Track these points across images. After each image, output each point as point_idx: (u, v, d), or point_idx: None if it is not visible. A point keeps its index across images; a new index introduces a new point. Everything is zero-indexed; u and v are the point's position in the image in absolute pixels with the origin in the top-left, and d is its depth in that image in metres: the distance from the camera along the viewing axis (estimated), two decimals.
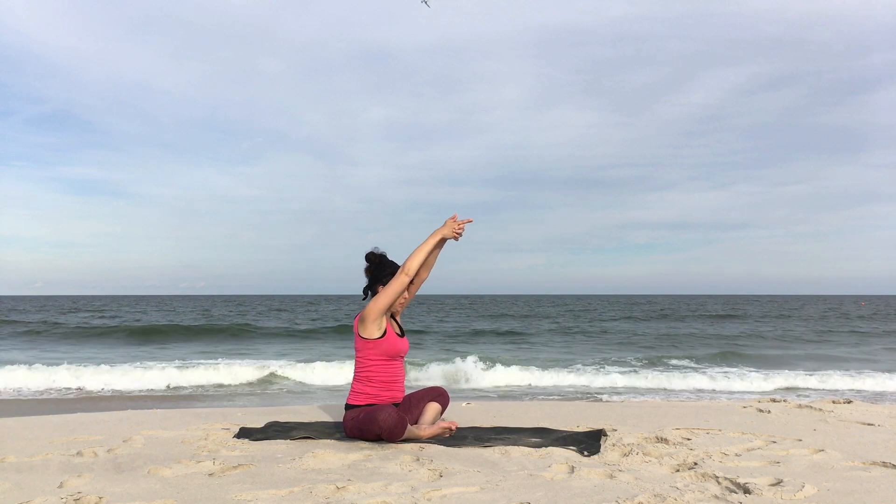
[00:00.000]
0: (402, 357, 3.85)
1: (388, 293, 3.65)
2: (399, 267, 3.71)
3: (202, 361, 13.34)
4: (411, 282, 3.73)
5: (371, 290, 3.81)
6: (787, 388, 10.52)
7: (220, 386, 10.81)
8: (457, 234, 3.75)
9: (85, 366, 11.83)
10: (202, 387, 10.68)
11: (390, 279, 3.71)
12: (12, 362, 12.10)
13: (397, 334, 3.82)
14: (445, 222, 3.76)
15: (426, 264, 3.81)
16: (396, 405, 3.78)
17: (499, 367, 12.19)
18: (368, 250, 3.82)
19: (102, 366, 11.99)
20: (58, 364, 11.78)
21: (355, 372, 3.79)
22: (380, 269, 3.79)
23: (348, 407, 3.77)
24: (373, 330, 3.69)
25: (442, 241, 3.79)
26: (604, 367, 13.17)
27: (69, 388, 10.19)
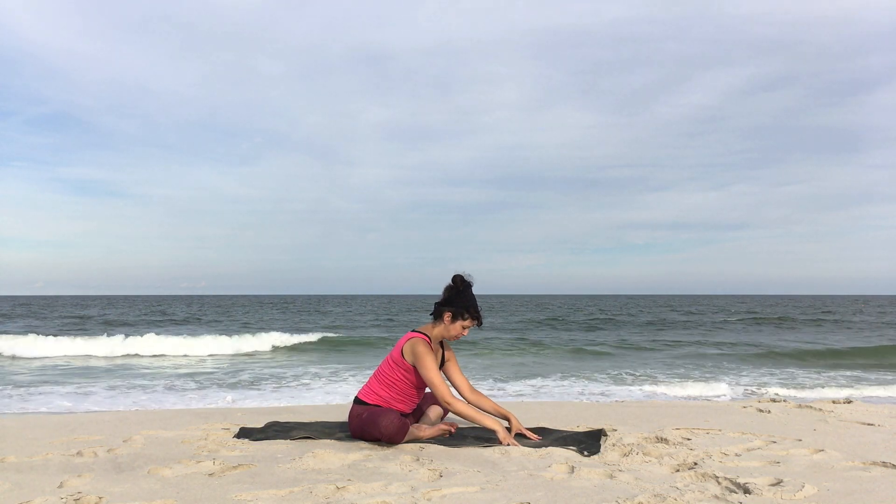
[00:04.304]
0: (425, 387, 3.86)
1: (430, 380, 3.65)
2: (474, 312, 3.74)
3: None
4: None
5: (440, 309, 3.78)
6: None
7: None
8: (506, 441, 3.62)
9: None
10: None
11: (460, 311, 3.72)
12: None
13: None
14: (503, 434, 3.62)
15: (427, 386, 3.76)
16: (403, 415, 3.79)
17: None
18: (459, 272, 3.79)
19: None
20: None
21: (380, 371, 3.80)
22: (457, 295, 3.76)
23: (358, 401, 3.78)
24: (412, 360, 3.72)
25: (489, 429, 3.70)
26: None
27: None
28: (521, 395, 8.56)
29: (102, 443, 3.71)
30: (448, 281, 3.80)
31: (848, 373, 11.71)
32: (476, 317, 3.76)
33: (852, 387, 9.59)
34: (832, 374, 11.54)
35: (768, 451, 3.42)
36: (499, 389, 9.01)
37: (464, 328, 3.76)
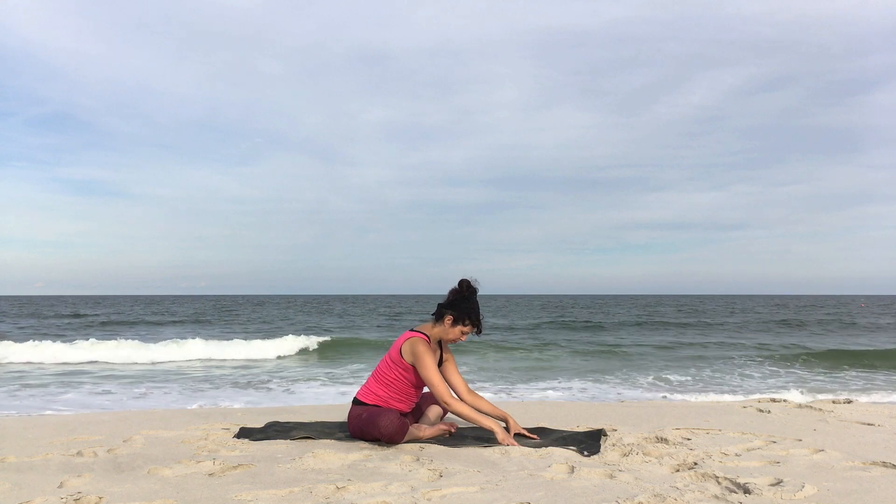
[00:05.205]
0: (423, 387, 3.86)
1: (429, 379, 3.63)
2: (475, 319, 3.73)
3: None
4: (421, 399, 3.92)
5: (442, 311, 3.77)
6: None
7: None
8: (504, 441, 3.60)
9: None
10: None
11: (461, 316, 3.71)
12: None
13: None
14: (501, 435, 3.61)
15: (425, 385, 3.76)
16: (402, 415, 3.79)
17: None
18: (467, 277, 3.78)
19: None
20: None
21: (378, 371, 3.79)
22: (462, 300, 3.74)
23: (356, 402, 3.78)
24: (411, 360, 3.72)
25: (489, 430, 3.68)
26: None
27: None
28: (531, 395, 8.54)
29: (102, 443, 3.71)
30: (453, 282, 3.81)
31: (871, 374, 11.37)
32: (476, 324, 3.76)
33: (886, 389, 9.24)
34: (842, 375, 11.32)
35: (768, 451, 3.42)
36: (505, 390, 9.00)
37: (463, 333, 3.76)
